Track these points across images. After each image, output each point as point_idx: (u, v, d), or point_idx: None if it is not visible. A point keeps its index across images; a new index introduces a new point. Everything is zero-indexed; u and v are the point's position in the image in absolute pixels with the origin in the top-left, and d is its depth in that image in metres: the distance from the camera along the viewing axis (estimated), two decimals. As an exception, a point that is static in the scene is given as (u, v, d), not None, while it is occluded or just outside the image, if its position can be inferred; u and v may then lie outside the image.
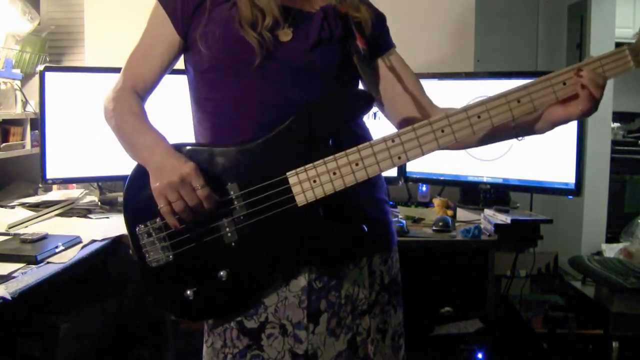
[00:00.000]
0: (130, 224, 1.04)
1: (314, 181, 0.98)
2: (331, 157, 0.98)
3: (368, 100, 1.02)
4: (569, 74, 0.98)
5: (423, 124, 0.98)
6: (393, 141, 0.98)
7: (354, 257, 1.08)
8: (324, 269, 1.05)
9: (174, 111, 2.00)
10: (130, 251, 1.05)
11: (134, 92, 1.09)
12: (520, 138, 1.08)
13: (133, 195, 1.04)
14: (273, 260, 1.01)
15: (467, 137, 1.00)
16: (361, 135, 1.09)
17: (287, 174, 0.99)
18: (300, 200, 0.98)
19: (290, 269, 1.03)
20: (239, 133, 1.02)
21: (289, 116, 0.99)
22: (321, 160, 0.98)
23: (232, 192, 1.00)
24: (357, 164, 0.98)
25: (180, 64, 1.13)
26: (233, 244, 1.00)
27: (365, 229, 1.00)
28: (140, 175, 1.01)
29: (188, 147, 1.03)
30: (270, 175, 0.99)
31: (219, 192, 0.98)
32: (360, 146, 0.99)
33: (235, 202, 0.99)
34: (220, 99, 1.05)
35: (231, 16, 1.02)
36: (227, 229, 1.00)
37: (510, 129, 1.06)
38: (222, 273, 1.00)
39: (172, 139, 1.04)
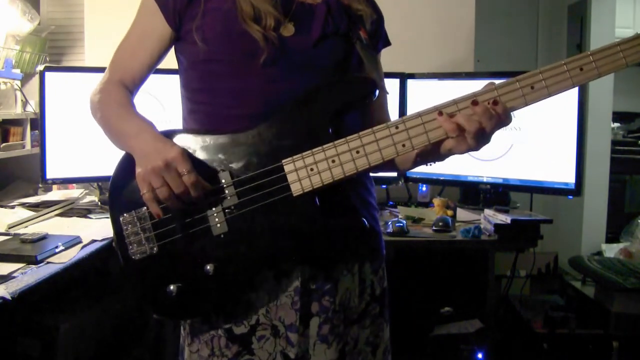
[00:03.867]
0: (114, 213, 0.99)
1: (311, 169, 0.93)
2: (330, 144, 0.93)
3: (371, 87, 0.97)
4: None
5: (431, 109, 0.93)
6: (397, 127, 0.92)
7: (347, 261, 1.04)
8: (318, 271, 1.01)
9: (174, 110, 2.00)
10: (113, 243, 1.00)
11: (122, 84, 1.05)
12: (429, 164, 1.02)
13: (119, 183, 0.99)
14: (264, 254, 0.95)
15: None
16: (364, 125, 1.07)
17: (283, 161, 0.94)
18: (295, 189, 0.93)
19: (283, 266, 0.99)
20: (234, 123, 0.98)
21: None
22: (319, 147, 0.93)
23: (223, 180, 0.95)
24: (357, 152, 0.93)
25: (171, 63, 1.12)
26: (222, 235, 0.95)
27: (366, 222, 0.96)
28: (127, 163, 0.97)
29: (178, 134, 0.98)
30: (265, 164, 0.94)
31: (208, 180, 0.93)
32: (361, 132, 0.93)
33: (226, 191, 0.94)
34: (216, 89, 1.01)
35: (231, 9, 0.99)
36: (217, 220, 0.95)
37: (415, 156, 1.00)
38: (208, 267, 0.94)
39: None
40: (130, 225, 0.98)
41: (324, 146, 0.93)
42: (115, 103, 1.02)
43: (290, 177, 0.94)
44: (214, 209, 0.95)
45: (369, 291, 1.09)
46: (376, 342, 1.09)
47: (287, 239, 0.95)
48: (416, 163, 1.02)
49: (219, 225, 0.95)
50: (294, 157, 0.94)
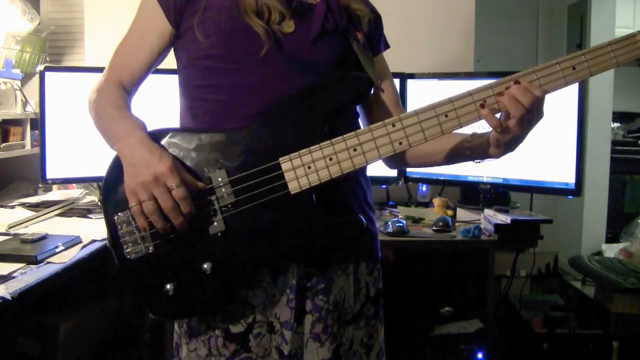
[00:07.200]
0: (108, 212, 0.97)
1: (309, 167, 0.93)
2: (328, 142, 0.93)
3: (367, 85, 0.98)
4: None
5: (427, 108, 0.94)
6: (394, 125, 0.93)
7: (342, 262, 1.04)
8: (313, 269, 1.02)
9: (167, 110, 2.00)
10: (107, 242, 0.98)
11: (120, 85, 1.04)
12: (477, 161, 1.05)
13: (111, 184, 0.97)
14: (262, 252, 0.95)
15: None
16: (359, 123, 1.07)
17: (280, 159, 0.94)
18: (293, 187, 0.93)
19: (279, 265, 0.99)
20: (234, 120, 0.98)
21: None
22: (317, 145, 0.93)
23: (219, 179, 0.94)
24: (355, 149, 0.93)
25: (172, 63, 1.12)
26: (219, 234, 0.94)
27: (363, 219, 0.96)
28: (118, 162, 0.96)
29: (171, 132, 0.97)
30: (262, 162, 0.94)
31: (203, 179, 0.93)
32: (358, 131, 0.94)
33: (223, 189, 0.93)
34: (215, 86, 1.01)
35: (233, 6, 1.00)
36: (213, 218, 0.94)
37: (465, 150, 1.04)
38: (206, 266, 0.93)
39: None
40: (125, 224, 0.95)
41: (322, 144, 0.94)
42: (110, 103, 1.01)
43: (288, 176, 0.94)
44: (210, 207, 0.94)
45: (364, 292, 1.09)
46: (370, 344, 1.09)
47: (285, 237, 0.95)
48: (464, 159, 1.09)
49: (215, 223, 0.94)
50: (291, 155, 0.94)
